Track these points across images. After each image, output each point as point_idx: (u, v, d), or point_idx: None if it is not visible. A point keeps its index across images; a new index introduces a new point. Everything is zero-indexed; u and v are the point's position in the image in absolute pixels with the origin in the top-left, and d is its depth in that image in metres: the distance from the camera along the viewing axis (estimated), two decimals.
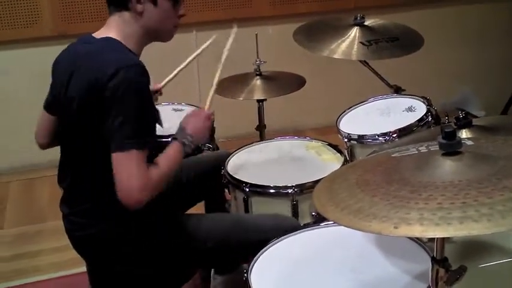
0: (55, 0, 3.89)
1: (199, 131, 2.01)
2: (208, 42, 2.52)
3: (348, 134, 2.40)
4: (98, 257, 1.99)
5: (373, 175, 1.33)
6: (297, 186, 2.17)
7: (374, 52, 2.55)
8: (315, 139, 2.61)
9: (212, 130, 2.71)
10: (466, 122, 1.93)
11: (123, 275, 1.97)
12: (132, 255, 1.93)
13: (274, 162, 2.45)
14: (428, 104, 2.41)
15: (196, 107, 2.95)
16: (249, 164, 2.43)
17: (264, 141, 2.70)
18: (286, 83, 2.86)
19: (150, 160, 1.82)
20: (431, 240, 1.47)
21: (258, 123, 2.95)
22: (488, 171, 1.21)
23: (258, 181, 2.23)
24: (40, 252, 3.16)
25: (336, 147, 2.48)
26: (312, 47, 2.66)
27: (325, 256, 1.71)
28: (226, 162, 2.41)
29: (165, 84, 2.57)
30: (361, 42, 2.58)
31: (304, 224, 2.08)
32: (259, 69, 2.83)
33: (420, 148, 1.41)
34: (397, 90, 2.70)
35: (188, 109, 2.96)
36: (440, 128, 1.29)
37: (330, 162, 2.38)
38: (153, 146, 1.92)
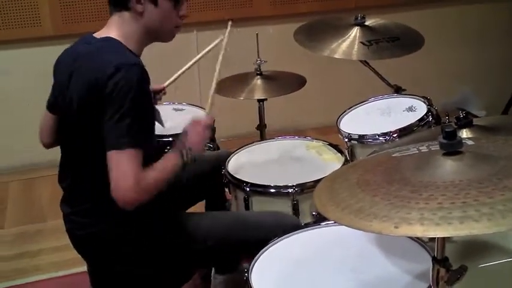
0: (55, 0, 3.88)
1: (198, 144, 1.98)
2: (215, 42, 2.52)
3: (349, 133, 2.40)
4: (98, 257, 1.99)
5: (373, 175, 1.33)
6: (297, 185, 2.17)
7: (374, 52, 2.55)
8: (315, 139, 2.61)
9: (213, 130, 2.71)
10: (466, 121, 1.93)
11: (123, 274, 1.97)
12: (132, 255, 1.93)
13: (275, 161, 2.45)
14: (429, 103, 2.41)
15: (197, 106, 2.96)
16: (249, 163, 2.43)
17: (264, 141, 2.70)
18: (286, 82, 2.86)
19: (150, 160, 1.82)
20: (432, 240, 1.47)
21: (258, 123, 2.95)
22: (488, 171, 1.21)
23: (258, 181, 2.23)
24: (40, 251, 3.15)
25: (336, 147, 2.48)
26: (312, 46, 2.66)
27: (325, 256, 1.71)
28: (226, 162, 2.41)
29: (170, 83, 2.56)
30: (361, 42, 2.58)
31: (305, 224, 2.08)
32: (260, 69, 2.83)
33: (421, 148, 1.41)
34: (398, 90, 2.70)
35: (188, 109, 2.96)
36: (441, 127, 1.29)
37: (331, 162, 2.38)
38: (153, 146, 1.92)
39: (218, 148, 2.71)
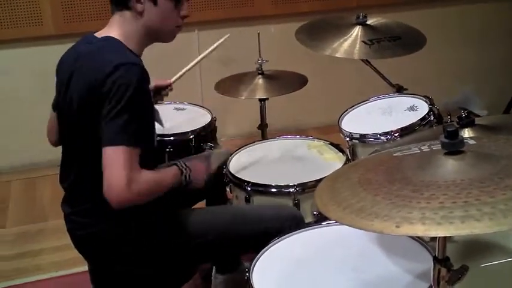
0: (56, 0, 3.89)
1: (198, 171, 1.99)
2: (222, 39, 2.52)
3: (350, 133, 2.39)
4: (99, 257, 1.99)
5: (375, 174, 1.33)
6: (298, 185, 2.17)
7: (376, 51, 2.55)
8: (316, 138, 2.61)
9: (214, 129, 2.72)
10: (468, 121, 1.92)
11: (124, 274, 1.97)
12: (132, 254, 1.93)
13: (276, 161, 2.45)
14: (431, 103, 2.41)
15: (199, 106, 2.96)
16: (250, 163, 2.43)
17: (266, 141, 2.70)
18: (288, 82, 2.85)
19: (150, 160, 1.82)
20: (433, 239, 1.46)
21: (260, 122, 2.95)
22: (490, 170, 1.21)
23: (259, 180, 2.23)
24: (41, 251, 3.16)
25: (337, 147, 2.48)
26: (314, 46, 2.66)
27: (326, 255, 1.71)
28: (228, 161, 2.40)
29: (176, 79, 2.55)
30: (363, 41, 2.57)
31: (306, 223, 2.08)
32: (261, 68, 2.83)
33: (422, 147, 1.40)
34: (399, 90, 2.70)
35: (190, 108, 2.96)
36: (443, 127, 1.29)
37: (332, 161, 2.38)
38: (152, 146, 1.91)
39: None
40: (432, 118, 2.33)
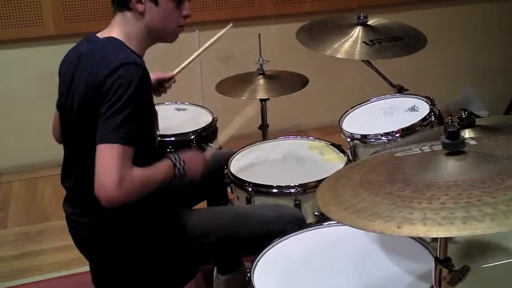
0: (57, 0, 3.89)
1: (193, 163, 1.97)
2: (224, 30, 2.52)
3: (351, 133, 2.39)
4: (100, 257, 1.99)
5: (376, 175, 1.33)
6: (299, 186, 2.17)
7: (377, 52, 2.54)
8: (317, 139, 2.61)
9: (215, 130, 2.72)
10: (469, 121, 1.92)
11: (125, 274, 1.97)
12: (134, 255, 1.93)
13: (277, 161, 2.45)
14: (432, 103, 2.40)
15: (200, 106, 2.96)
16: (251, 163, 2.43)
17: (266, 141, 2.69)
18: (289, 82, 2.85)
19: (149, 161, 1.82)
20: (435, 240, 1.46)
21: (260, 123, 2.95)
22: (491, 171, 1.21)
23: (260, 181, 2.23)
24: (42, 251, 3.16)
25: (338, 147, 2.48)
26: (314, 46, 2.65)
27: (328, 256, 1.71)
28: (229, 162, 2.40)
29: (179, 72, 2.55)
30: (364, 42, 2.57)
31: (307, 224, 2.08)
32: (262, 69, 2.83)
33: (423, 148, 1.40)
34: (400, 90, 2.69)
35: (191, 108, 2.96)
36: (444, 127, 1.29)
37: (333, 162, 2.38)
38: (152, 147, 1.91)
39: (220, 148, 2.71)
40: (433, 119, 2.33)
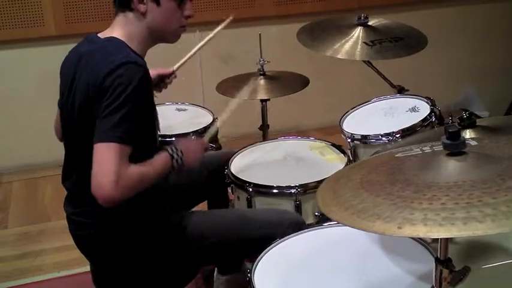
0: (59, 0, 3.89)
1: (191, 151, 1.96)
2: (225, 23, 2.52)
3: (352, 134, 2.39)
4: (101, 257, 1.99)
5: (376, 175, 1.33)
6: (300, 186, 2.17)
7: (377, 52, 2.55)
8: (318, 139, 2.61)
9: (216, 130, 2.72)
10: (469, 122, 1.92)
11: (126, 275, 1.97)
12: (134, 255, 1.93)
13: (278, 162, 2.45)
14: (432, 104, 2.40)
15: (200, 106, 2.96)
16: (252, 164, 2.43)
17: (267, 141, 2.69)
18: (289, 83, 2.85)
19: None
20: (435, 240, 1.46)
21: (261, 123, 2.95)
22: (492, 171, 1.21)
23: (261, 181, 2.23)
24: (43, 251, 3.16)
25: (339, 148, 2.48)
26: (315, 46, 2.66)
27: (328, 256, 1.71)
28: (229, 162, 2.40)
29: (179, 66, 2.55)
30: (364, 42, 2.57)
31: (308, 224, 2.08)
32: (263, 69, 2.83)
33: (424, 148, 1.40)
34: (401, 91, 2.69)
35: (191, 109, 2.96)
36: (444, 128, 1.29)
37: (333, 162, 2.38)
38: (152, 147, 1.91)
39: (221, 148, 2.71)
40: (434, 119, 2.33)
